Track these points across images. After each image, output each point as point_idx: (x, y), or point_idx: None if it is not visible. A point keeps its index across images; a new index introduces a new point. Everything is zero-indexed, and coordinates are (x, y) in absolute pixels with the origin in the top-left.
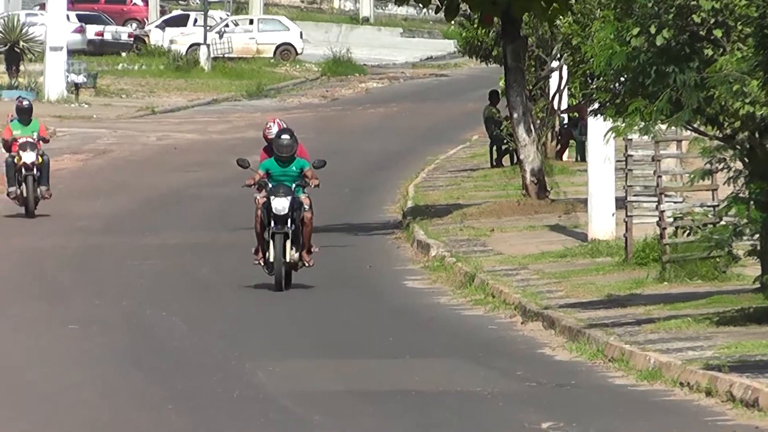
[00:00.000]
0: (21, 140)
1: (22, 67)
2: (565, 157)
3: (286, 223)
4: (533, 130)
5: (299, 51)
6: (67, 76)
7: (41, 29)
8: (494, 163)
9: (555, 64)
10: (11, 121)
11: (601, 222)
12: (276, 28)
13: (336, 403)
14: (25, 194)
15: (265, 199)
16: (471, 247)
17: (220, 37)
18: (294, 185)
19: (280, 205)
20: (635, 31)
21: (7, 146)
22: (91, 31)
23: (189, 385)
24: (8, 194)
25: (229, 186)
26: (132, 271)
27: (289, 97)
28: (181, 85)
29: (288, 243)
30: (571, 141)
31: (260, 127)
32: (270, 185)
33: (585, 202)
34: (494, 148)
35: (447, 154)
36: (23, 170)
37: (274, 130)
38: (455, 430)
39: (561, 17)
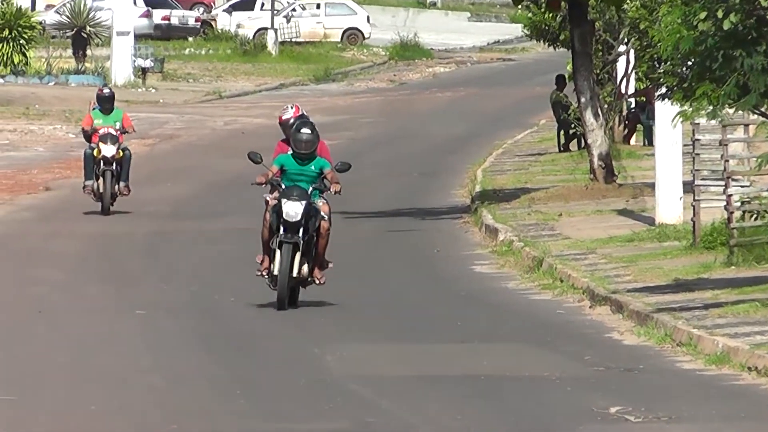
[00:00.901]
0: (102, 131)
1: (89, 52)
2: (632, 141)
3: (298, 232)
4: (601, 115)
5: (366, 35)
6: (134, 61)
7: (108, 14)
8: (562, 148)
9: (622, 48)
10: (93, 109)
11: (669, 206)
12: (343, 12)
13: (404, 388)
14: (101, 190)
15: (276, 201)
16: (539, 231)
17: (288, 21)
18: (311, 188)
19: (293, 210)
20: (702, 15)
21: (87, 136)
22: (158, 15)
23: (257, 370)
24: (84, 188)
25: None
26: (200, 255)
27: (357, 81)
28: (248, 69)
29: (298, 255)
30: (639, 125)
31: (328, 112)
32: (283, 186)
33: (652, 186)
34: (562, 132)
35: (514, 138)
36: (102, 164)
37: (290, 114)
38: (524, 414)
39: (628, 1)
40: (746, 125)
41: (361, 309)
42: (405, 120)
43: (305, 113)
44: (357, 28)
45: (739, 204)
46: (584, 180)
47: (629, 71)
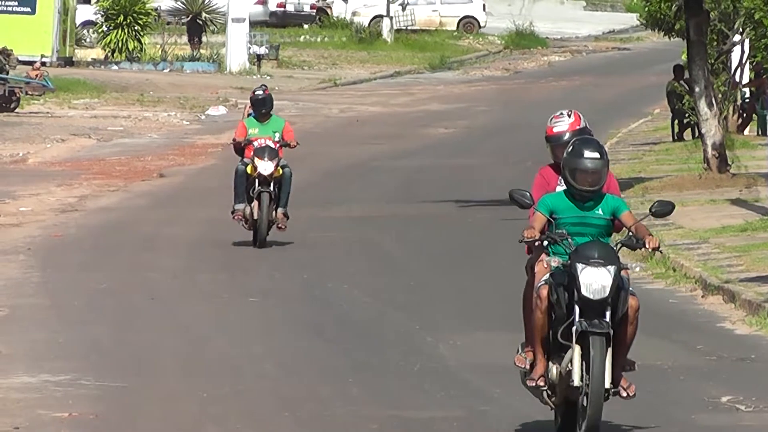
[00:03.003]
0: (257, 143)
1: (204, 39)
2: (746, 131)
3: (603, 316)
4: (715, 104)
5: (482, 24)
6: (249, 48)
7: (223, 0)
8: (676, 137)
9: (737, 38)
10: (248, 116)
11: None
12: (459, 1)
13: (517, 377)
14: (255, 216)
15: (559, 264)
16: (653, 220)
17: (403, 9)
18: (618, 246)
19: (599, 282)
20: None
21: (240, 149)
22: (274, 2)
23: (370, 358)
24: (233, 213)
25: (411, 158)
26: (313, 243)
27: (472, 69)
28: (363, 57)
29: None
30: (754, 115)
31: (443, 100)
32: (571, 242)
33: (766, 176)
34: (676, 121)
35: (629, 127)
36: (256, 183)
37: (564, 125)
38: (636, 403)
39: None
40: None
41: (474, 298)
42: (520, 109)
43: (587, 124)
44: (473, 17)
45: None
46: (698, 169)
47: (744, 61)
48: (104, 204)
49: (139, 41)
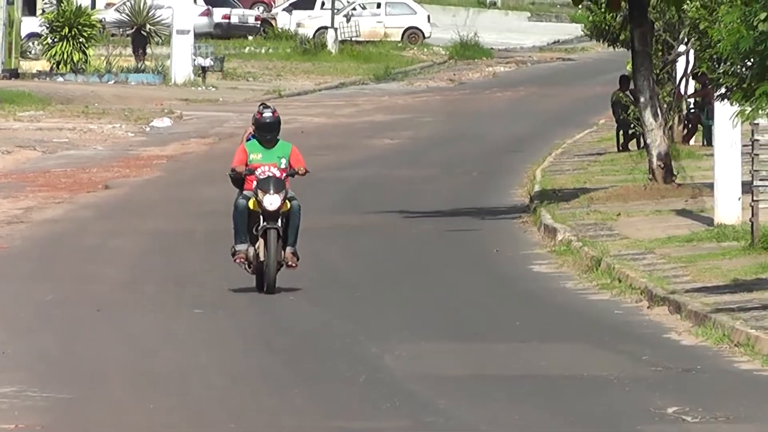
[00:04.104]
0: (260, 171)
1: (148, 51)
2: (691, 141)
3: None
4: (660, 115)
5: (426, 35)
6: (194, 60)
7: (168, 12)
8: (621, 148)
9: (682, 48)
10: (248, 140)
11: (728, 206)
12: (403, 12)
13: (462, 388)
14: (261, 257)
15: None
16: (597, 231)
17: (348, 20)
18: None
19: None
20: (763, 15)
21: (240, 179)
22: (218, 14)
23: (316, 369)
24: (233, 255)
25: (355, 169)
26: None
27: (417, 80)
28: (308, 68)
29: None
30: (699, 125)
31: (388, 111)
32: None
33: (711, 186)
34: (621, 132)
35: (574, 138)
36: (261, 220)
37: None
38: (581, 414)
39: (688, 1)
40: None
41: (419, 308)
42: (464, 119)
43: None
44: (417, 28)
45: None
46: (643, 180)
47: (689, 71)
48: (50, 216)
49: (84, 53)
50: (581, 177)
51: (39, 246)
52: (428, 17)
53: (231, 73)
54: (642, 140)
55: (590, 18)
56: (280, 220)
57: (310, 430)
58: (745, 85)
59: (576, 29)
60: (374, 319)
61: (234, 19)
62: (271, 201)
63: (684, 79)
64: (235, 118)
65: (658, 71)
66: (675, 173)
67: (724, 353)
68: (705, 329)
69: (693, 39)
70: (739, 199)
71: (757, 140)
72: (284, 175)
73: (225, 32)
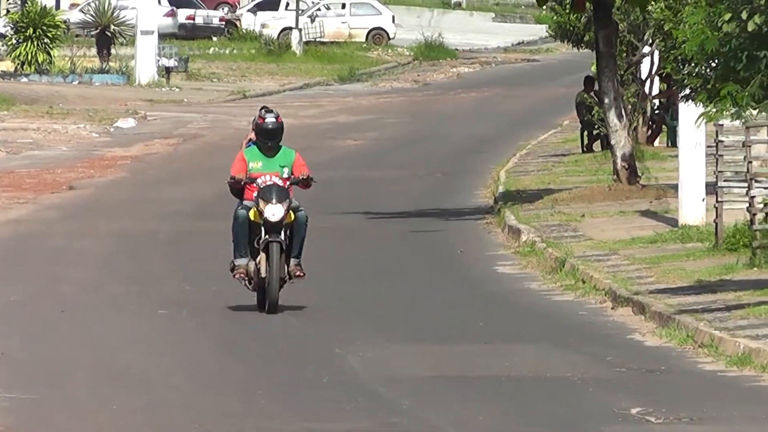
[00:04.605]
0: (261, 180)
1: (113, 51)
2: (656, 142)
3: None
4: (624, 116)
5: (391, 35)
6: (158, 60)
7: (132, 13)
8: (585, 149)
9: (646, 49)
10: (248, 145)
11: (692, 207)
12: (368, 13)
13: (426, 389)
14: (263, 272)
15: None
16: (562, 232)
17: (312, 21)
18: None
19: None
20: (727, 16)
21: (239, 190)
22: (183, 15)
23: (279, 371)
24: (233, 270)
25: (320, 170)
26: (222, 256)
27: (381, 81)
28: (272, 69)
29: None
30: (663, 126)
31: (352, 112)
32: None
33: (676, 187)
34: (585, 133)
35: (538, 139)
36: (262, 232)
37: None
38: (545, 415)
39: (653, 2)
40: None
41: (383, 309)
42: (429, 120)
43: None
44: (382, 28)
45: (762, 205)
46: (607, 181)
47: (653, 72)
48: (14, 216)
49: (48, 54)
50: (545, 178)
51: (3, 247)
52: (393, 18)
53: (195, 74)
54: (606, 141)
55: (555, 19)
56: (283, 233)
57: None
58: (709, 86)
59: (540, 30)
60: (337, 322)
61: (198, 20)
62: (274, 211)
63: (649, 80)
64: (199, 118)
65: (622, 72)
66: (639, 174)
67: (688, 354)
68: (669, 330)
69: (658, 40)
70: (704, 200)
71: (722, 141)
72: (288, 183)
73: (189, 33)
